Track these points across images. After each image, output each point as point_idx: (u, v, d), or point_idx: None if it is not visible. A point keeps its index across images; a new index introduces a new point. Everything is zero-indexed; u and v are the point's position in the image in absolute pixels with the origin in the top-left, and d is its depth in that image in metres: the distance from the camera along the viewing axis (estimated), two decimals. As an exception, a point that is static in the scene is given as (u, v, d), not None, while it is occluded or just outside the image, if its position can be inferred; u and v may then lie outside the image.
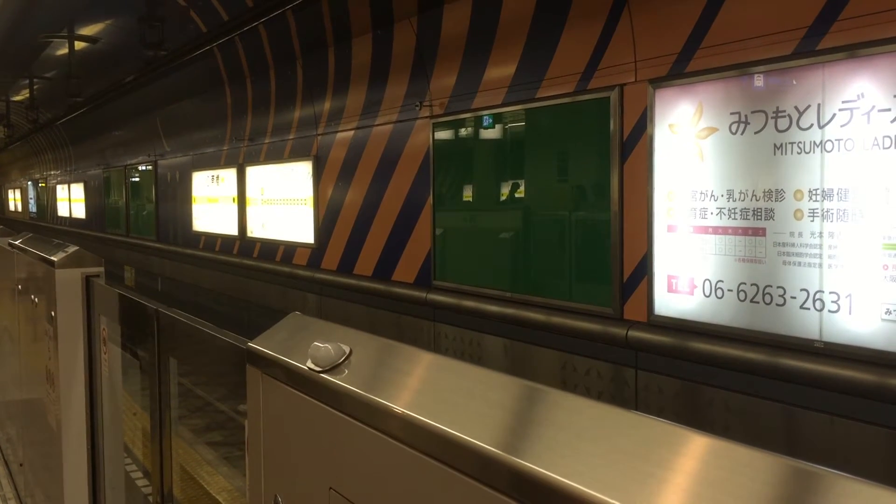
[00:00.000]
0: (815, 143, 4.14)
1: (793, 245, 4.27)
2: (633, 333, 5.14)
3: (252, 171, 10.86)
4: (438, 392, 1.14)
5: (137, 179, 15.72)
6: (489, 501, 0.90)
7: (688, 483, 0.74)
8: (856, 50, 3.97)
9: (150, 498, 3.04)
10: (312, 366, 1.34)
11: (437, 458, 1.00)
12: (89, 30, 12.01)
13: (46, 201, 24.67)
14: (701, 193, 4.73)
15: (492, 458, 0.90)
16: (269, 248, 10.36)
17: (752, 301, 4.47)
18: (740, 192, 4.51)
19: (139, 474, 4.50)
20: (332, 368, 1.31)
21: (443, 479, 0.99)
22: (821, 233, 4.14)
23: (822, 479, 0.69)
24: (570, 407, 0.96)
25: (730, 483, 0.71)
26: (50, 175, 24.28)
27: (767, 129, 4.36)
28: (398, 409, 1.11)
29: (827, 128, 4.09)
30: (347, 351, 1.33)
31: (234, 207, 11.24)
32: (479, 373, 1.13)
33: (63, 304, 3.59)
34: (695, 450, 0.79)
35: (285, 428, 1.48)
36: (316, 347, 1.34)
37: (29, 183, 27.90)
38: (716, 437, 0.78)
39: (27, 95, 17.49)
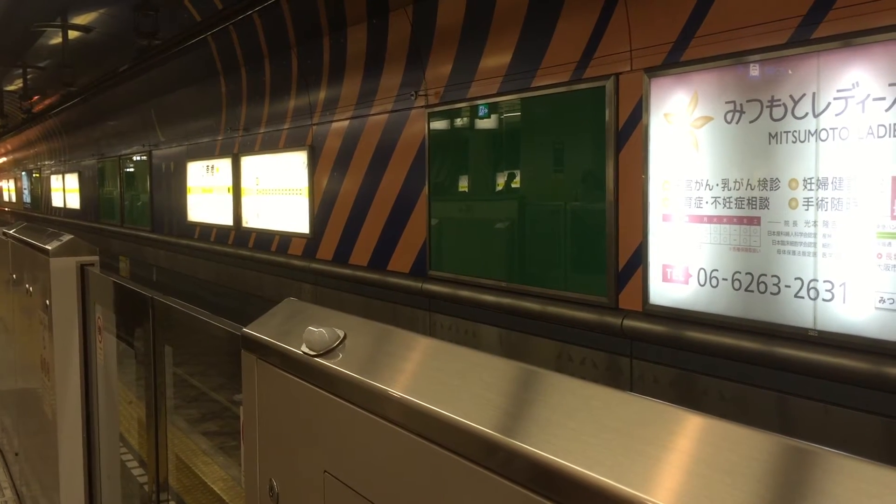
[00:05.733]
0: (809, 132, 4.14)
1: (787, 234, 4.28)
2: (628, 323, 5.15)
3: (247, 161, 10.84)
4: (431, 374, 1.14)
5: (132, 170, 15.67)
6: (482, 481, 0.90)
7: (677, 459, 0.75)
8: (851, 39, 3.97)
9: (146, 487, 3.04)
10: (307, 350, 1.34)
11: (430, 440, 1.00)
12: (83, 19, 11.94)
13: (41, 192, 24.58)
14: (696, 183, 4.74)
15: (484, 439, 0.91)
16: (265, 239, 10.35)
17: (746, 290, 4.48)
18: (735, 182, 4.52)
19: (135, 463, 4.50)
20: (327, 352, 1.31)
21: (435, 459, 0.99)
22: (815, 222, 4.15)
23: (808, 454, 0.69)
24: (562, 388, 0.96)
25: (719, 459, 0.72)
26: (44, 165, 24.19)
27: (762, 118, 4.36)
28: (391, 391, 1.11)
29: (822, 117, 4.09)
30: (342, 335, 1.34)
31: (230, 197, 11.22)
32: (471, 355, 1.14)
33: (58, 292, 3.59)
34: (684, 427, 0.79)
35: (280, 412, 1.48)
36: (310, 332, 1.35)
37: (23, 173, 27.79)
38: (705, 416, 0.78)
39: (20, 85, 17.40)
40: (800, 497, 0.66)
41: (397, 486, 1.10)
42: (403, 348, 1.28)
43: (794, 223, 4.24)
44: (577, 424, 0.85)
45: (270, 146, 10.21)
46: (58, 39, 12.84)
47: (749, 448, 0.72)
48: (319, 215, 9.09)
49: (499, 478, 0.88)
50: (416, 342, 1.27)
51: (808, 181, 4.16)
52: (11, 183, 30.53)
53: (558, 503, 0.79)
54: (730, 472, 0.70)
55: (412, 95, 7.29)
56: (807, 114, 4.15)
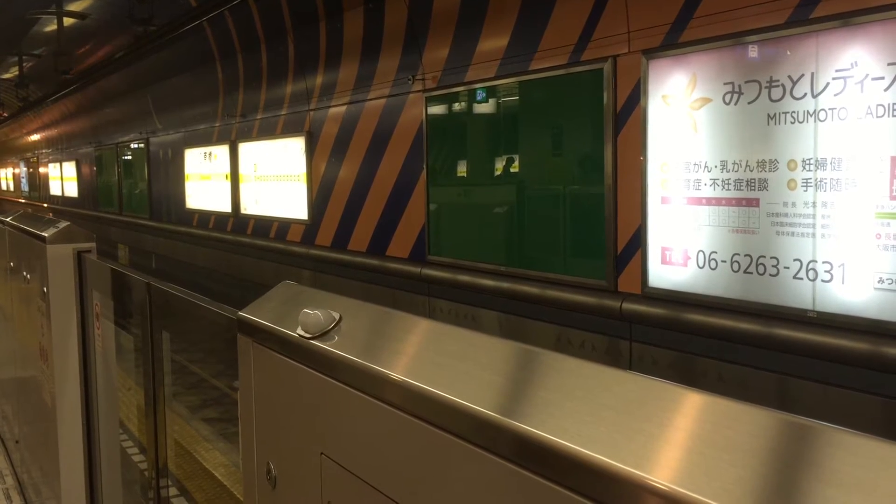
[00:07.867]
0: (808, 112, 4.12)
1: (786, 215, 4.27)
2: (628, 306, 5.15)
3: (245, 148, 10.80)
4: (427, 355, 1.14)
5: (129, 157, 15.63)
6: (479, 461, 0.90)
7: (674, 436, 0.74)
8: (850, 18, 3.94)
9: (146, 473, 3.05)
10: (302, 332, 1.34)
11: (426, 421, 1.00)
12: (78, 5, 11.88)
13: (38, 180, 24.53)
14: (694, 165, 4.72)
15: (480, 419, 0.90)
16: (263, 225, 10.33)
17: (745, 272, 4.48)
18: (734, 163, 4.50)
19: (135, 450, 4.51)
20: (322, 335, 1.30)
21: (431, 440, 0.98)
22: (814, 203, 4.14)
23: (807, 429, 0.68)
24: (560, 367, 0.96)
25: (717, 436, 0.71)
26: (41, 153, 24.13)
27: (761, 99, 4.34)
28: (386, 372, 1.10)
29: (820, 97, 4.07)
30: (337, 317, 1.33)
31: (228, 184, 11.19)
32: (468, 335, 1.13)
33: (55, 280, 3.58)
34: (682, 405, 0.78)
35: (276, 395, 1.48)
36: (305, 314, 1.34)
37: (21, 162, 27.73)
38: (704, 393, 0.78)
39: (16, 73, 17.33)
40: (799, 472, 0.66)
41: (393, 468, 1.09)
42: (399, 330, 1.27)
43: (793, 204, 4.23)
44: (573, 403, 0.85)
45: (268, 132, 10.18)
46: (53, 27, 12.78)
47: (748, 424, 0.71)
48: (318, 201, 9.08)
49: (496, 458, 0.88)
50: (412, 323, 1.27)
51: (807, 162, 4.14)
52: (10, 171, 30.46)
53: (556, 482, 0.79)
54: (728, 448, 0.69)
55: (409, 80, 7.26)
56: (805, 94, 4.13)
